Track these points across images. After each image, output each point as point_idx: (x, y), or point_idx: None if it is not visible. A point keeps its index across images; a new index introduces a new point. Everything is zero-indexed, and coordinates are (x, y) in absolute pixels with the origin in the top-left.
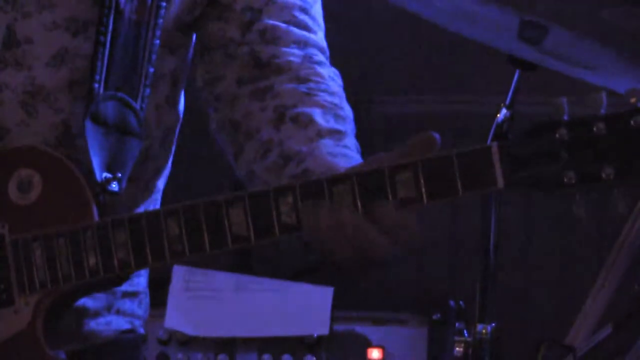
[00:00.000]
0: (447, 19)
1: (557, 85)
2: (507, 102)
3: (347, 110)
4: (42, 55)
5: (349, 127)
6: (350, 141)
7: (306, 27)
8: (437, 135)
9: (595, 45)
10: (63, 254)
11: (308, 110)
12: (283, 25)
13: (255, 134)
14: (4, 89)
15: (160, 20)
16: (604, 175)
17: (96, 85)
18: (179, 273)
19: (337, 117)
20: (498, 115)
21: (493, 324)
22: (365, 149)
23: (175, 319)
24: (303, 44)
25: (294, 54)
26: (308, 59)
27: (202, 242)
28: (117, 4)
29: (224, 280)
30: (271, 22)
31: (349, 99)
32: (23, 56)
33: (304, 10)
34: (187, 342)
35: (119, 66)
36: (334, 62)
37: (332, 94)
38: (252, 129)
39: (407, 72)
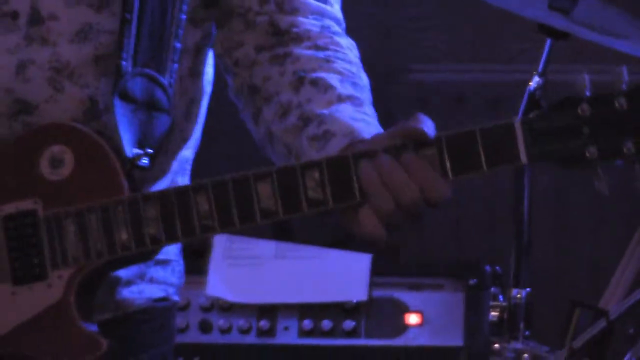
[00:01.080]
0: None
1: (587, 53)
2: (540, 70)
3: (365, 80)
4: (66, 32)
5: (366, 96)
6: (369, 109)
7: (322, 0)
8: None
9: (624, 14)
10: (95, 229)
11: (327, 75)
12: None
13: (275, 96)
14: (30, 65)
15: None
16: (625, 150)
17: (124, 63)
18: (220, 241)
19: (355, 85)
20: (530, 83)
21: (527, 289)
22: (402, 116)
23: (217, 286)
24: (320, 14)
25: (312, 24)
26: (326, 28)
27: (231, 217)
28: None
29: (264, 247)
30: None
31: (385, 67)
32: (48, 33)
33: None
34: (229, 309)
35: (146, 42)
36: (372, 31)
37: (349, 62)
38: (271, 92)
39: (442, 41)
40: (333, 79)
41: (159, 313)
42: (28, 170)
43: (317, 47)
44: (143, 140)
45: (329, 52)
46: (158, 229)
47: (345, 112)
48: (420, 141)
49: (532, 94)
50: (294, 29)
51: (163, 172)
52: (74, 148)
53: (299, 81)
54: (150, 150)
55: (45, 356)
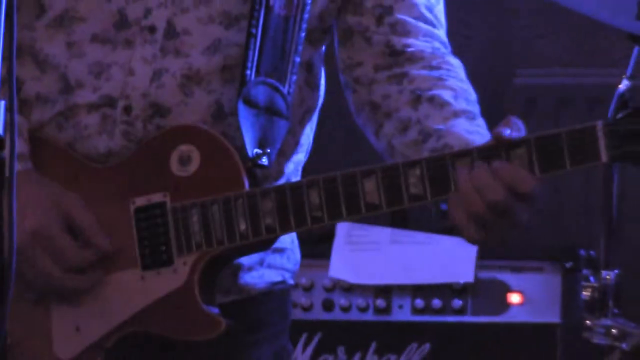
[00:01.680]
0: (576, 3)
1: None
2: (628, 74)
3: (474, 95)
4: (198, 45)
5: (477, 109)
6: (481, 122)
7: (432, 24)
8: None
9: None
10: (217, 220)
11: (442, 92)
12: (412, 20)
13: (394, 113)
14: (164, 73)
15: (306, 16)
16: None
17: (248, 72)
18: (342, 228)
19: (468, 101)
20: (620, 86)
21: (616, 271)
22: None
23: (339, 269)
24: (430, 37)
25: (424, 45)
26: (437, 49)
27: (339, 210)
28: (268, 2)
29: (381, 233)
30: (401, 16)
31: (496, 72)
32: (181, 45)
33: (429, 9)
34: (349, 289)
35: (269, 55)
36: (487, 40)
37: (461, 80)
38: (391, 109)
39: (547, 48)
40: (447, 96)
41: (277, 295)
42: (159, 167)
43: (431, 67)
44: (263, 142)
45: (442, 72)
46: (273, 220)
47: (461, 126)
48: (510, 144)
49: (621, 96)
50: (409, 50)
51: (280, 172)
52: (201, 147)
53: (417, 99)
54: (269, 151)
55: (170, 334)
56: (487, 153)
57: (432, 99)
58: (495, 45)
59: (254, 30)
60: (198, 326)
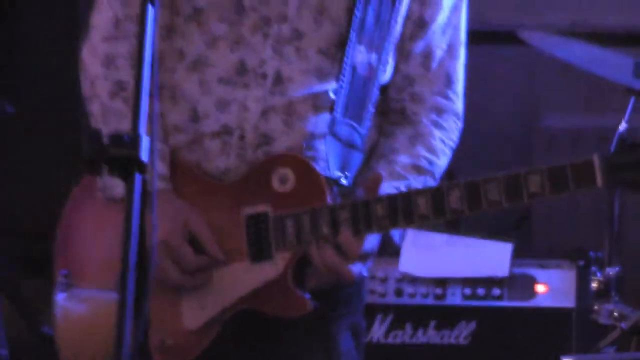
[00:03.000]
0: (583, 61)
1: None
2: (626, 118)
3: (442, 161)
4: (297, 90)
5: (433, 169)
6: (426, 179)
7: (447, 97)
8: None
9: None
10: (306, 226)
11: (397, 158)
12: (429, 93)
13: (371, 158)
14: (271, 110)
15: (379, 78)
16: None
17: (336, 114)
18: (409, 234)
19: (416, 169)
20: (619, 127)
21: (617, 268)
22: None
23: (407, 264)
24: (440, 111)
25: (428, 118)
26: (436, 124)
27: (397, 220)
28: (354, 65)
29: (439, 238)
30: (421, 89)
31: (517, 117)
32: (285, 90)
33: (448, 84)
34: (414, 280)
35: (352, 102)
36: (516, 90)
37: (430, 150)
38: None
39: (566, 98)
40: (400, 163)
41: (355, 284)
42: (264, 184)
43: (415, 135)
44: (344, 167)
45: (417, 140)
46: (349, 227)
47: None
48: (437, 189)
49: (621, 135)
50: (414, 117)
51: (354, 192)
52: (296, 170)
53: (381, 156)
54: (347, 174)
55: (270, 311)
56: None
57: (389, 160)
58: (524, 97)
59: (342, 83)
60: (291, 306)
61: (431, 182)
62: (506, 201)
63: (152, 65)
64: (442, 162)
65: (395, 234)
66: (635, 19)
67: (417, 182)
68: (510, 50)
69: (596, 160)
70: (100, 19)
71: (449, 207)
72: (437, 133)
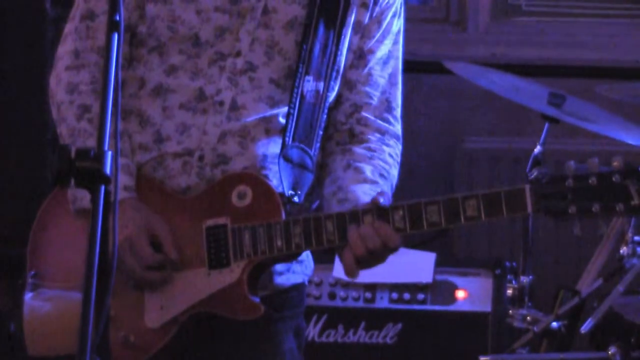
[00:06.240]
0: (502, 90)
1: (581, 132)
2: (541, 141)
3: (392, 174)
4: (250, 116)
5: (386, 183)
6: (383, 190)
7: (388, 121)
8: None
9: (594, 108)
10: (262, 238)
11: (364, 166)
12: (373, 118)
13: (332, 172)
14: (227, 134)
15: (327, 104)
16: (593, 209)
17: (287, 138)
18: None
19: (381, 176)
20: (535, 149)
21: (530, 277)
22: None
23: (340, 270)
24: (383, 132)
25: (374, 136)
26: (381, 141)
27: (345, 236)
28: (303, 93)
29: None
30: (365, 114)
31: (441, 139)
32: (240, 116)
33: (389, 110)
34: (347, 285)
35: (301, 129)
36: (441, 114)
37: (385, 162)
38: (331, 169)
39: (481, 123)
40: (367, 169)
41: (297, 291)
42: (223, 199)
43: (368, 149)
44: (295, 187)
45: (374, 153)
46: (300, 240)
47: (361, 189)
48: (381, 208)
49: (535, 157)
50: (362, 136)
51: (307, 208)
52: (253, 188)
53: (347, 166)
54: (299, 193)
55: (225, 313)
56: (448, 204)
57: (356, 168)
58: (448, 121)
59: (292, 111)
60: (244, 309)
61: (391, 190)
62: (445, 223)
63: (114, 90)
64: (395, 173)
65: None
66: (549, 52)
67: (387, 187)
68: (435, 79)
69: (527, 189)
70: (63, 51)
71: (393, 226)
72: (385, 149)
